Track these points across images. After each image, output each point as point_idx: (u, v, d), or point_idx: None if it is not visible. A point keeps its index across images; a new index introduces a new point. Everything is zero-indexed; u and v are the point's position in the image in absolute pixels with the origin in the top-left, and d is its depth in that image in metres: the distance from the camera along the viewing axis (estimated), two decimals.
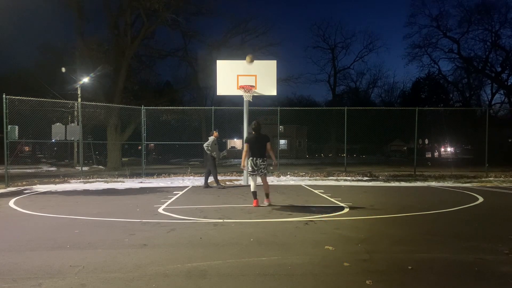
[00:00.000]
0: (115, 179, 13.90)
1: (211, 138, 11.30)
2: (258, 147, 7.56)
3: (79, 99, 23.28)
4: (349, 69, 45.46)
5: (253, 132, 7.67)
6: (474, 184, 12.61)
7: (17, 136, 12.59)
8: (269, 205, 7.60)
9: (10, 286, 3.26)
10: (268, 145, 7.64)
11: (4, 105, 11.90)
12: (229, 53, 25.46)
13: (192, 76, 29.48)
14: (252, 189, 7.63)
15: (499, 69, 36.68)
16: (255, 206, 7.44)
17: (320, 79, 63.51)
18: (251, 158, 7.54)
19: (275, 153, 8.12)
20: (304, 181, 13.50)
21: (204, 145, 11.32)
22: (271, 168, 7.78)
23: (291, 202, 8.26)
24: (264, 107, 22.89)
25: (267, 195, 7.75)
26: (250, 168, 7.53)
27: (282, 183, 13.04)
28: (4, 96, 11.98)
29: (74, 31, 22.98)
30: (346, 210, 7.23)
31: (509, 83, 36.71)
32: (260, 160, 7.52)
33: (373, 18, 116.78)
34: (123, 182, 13.22)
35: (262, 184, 7.80)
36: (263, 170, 7.55)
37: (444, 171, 18.20)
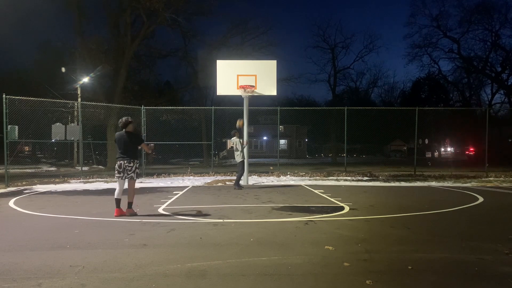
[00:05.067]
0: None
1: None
2: (125, 147, 6.62)
3: (79, 99, 23.27)
4: (349, 69, 45.40)
5: (123, 130, 6.74)
6: (474, 184, 12.61)
7: (17, 136, 12.59)
8: (130, 215, 6.53)
9: (10, 286, 3.26)
10: (143, 146, 6.91)
11: (4, 105, 11.89)
12: (229, 53, 25.46)
13: (192, 76, 29.48)
14: (115, 195, 6.56)
15: (499, 69, 36.72)
16: (115, 216, 6.39)
17: (320, 79, 63.61)
18: (117, 159, 6.67)
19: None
20: (304, 181, 13.51)
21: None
22: (138, 172, 6.63)
23: (291, 202, 8.26)
24: (264, 107, 22.91)
25: (129, 204, 6.63)
26: (115, 170, 6.68)
27: (282, 183, 13.05)
28: (4, 96, 11.97)
29: (74, 31, 22.99)
30: (346, 210, 7.23)
31: (509, 83, 36.75)
32: (126, 162, 6.57)
33: (373, 18, 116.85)
34: None
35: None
36: (129, 173, 6.60)
37: (444, 171, 18.20)
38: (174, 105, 24.17)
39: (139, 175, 6.84)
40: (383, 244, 4.67)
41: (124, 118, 6.75)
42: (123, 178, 6.63)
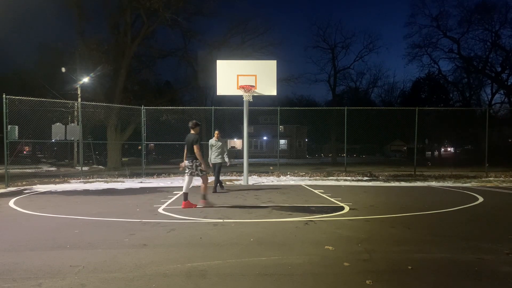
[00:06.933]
0: (115, 179, 13.90)
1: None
2: (186, 147, 7.46)
3: (79, 99, 23.25)
4: (349, 69, 45.20)
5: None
6: (474, 184, 12.60)
7: (17, 136, 12.59)
8: (204, 206, 7.44)
9: (10, 286, 3.26)
10: (195, 148, 7.24)
11: (4, 105, 11.89)
12: (229, 53, 25.43)
13: (192, 76, 29.45)
14: (183, 189, 7.56)
15: (499, 69, 36.71)
16: (182, 208, 7.28)
17: (320, 79, 63.40)
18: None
19: (201, 156, 7.28)
20: (304, 181, 13.50)
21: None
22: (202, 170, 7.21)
23: (291, 202, 8.26)
24: (264, 107, 22.92)
25: (202, 196, 7.57)
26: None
27: (282, 183, 13.05)
28: (4, 96, 11.97)
29: (74, 31, 23.01)
30: (346, 210, 7.23)
31: (509, 83, 36.74)
32: (187, 162, 7.39)
33: (373, 18, 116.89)
34: (123, 182, 13.21)
35: (200, 185, 7.65)
36: (193, 172, 7.37)
37: (444, 171, 18.20)
38: (174, 105, 24.12)
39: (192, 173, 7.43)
40: (383, 244, 4.67)
41: (192, 121, 7.56)
42: (189, 174, 7.42)
